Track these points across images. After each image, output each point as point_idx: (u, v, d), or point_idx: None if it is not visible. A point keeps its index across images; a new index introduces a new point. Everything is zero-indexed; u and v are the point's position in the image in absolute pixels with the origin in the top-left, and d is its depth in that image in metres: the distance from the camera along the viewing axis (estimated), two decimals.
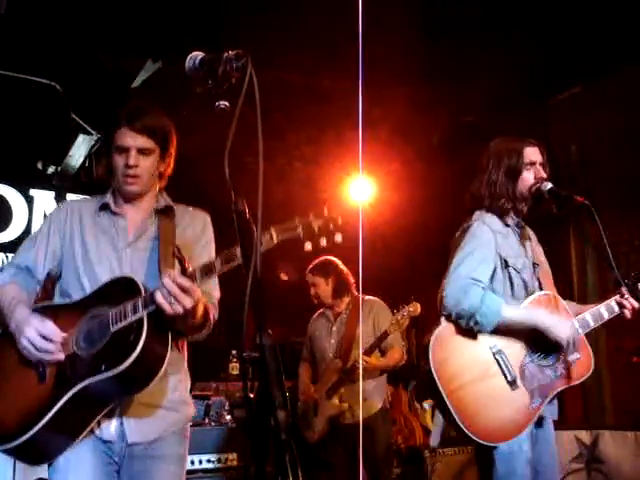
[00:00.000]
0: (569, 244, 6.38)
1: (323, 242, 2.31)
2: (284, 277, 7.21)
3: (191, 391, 5.21)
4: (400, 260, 7.56)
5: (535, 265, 3.12)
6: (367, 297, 5.02)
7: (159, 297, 2.23)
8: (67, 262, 2.63)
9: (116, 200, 2.70)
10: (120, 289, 2.40)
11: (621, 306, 3.06)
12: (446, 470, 5.73)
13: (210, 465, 4.31)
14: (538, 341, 2.93)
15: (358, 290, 4.90)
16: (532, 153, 3.14)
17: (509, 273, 3.02)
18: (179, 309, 2.23)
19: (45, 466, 2.50)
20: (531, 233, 3.25)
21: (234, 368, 5.83)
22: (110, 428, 2.42)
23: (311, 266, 5.06)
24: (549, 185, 3.05)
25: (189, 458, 4.25)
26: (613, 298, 3.08)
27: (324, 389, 4.91)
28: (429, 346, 2.87)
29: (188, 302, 2.23)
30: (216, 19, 4.72)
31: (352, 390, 4.78)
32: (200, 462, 4.29)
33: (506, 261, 3.01)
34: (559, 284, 3.25)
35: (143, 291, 2.33)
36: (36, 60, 4.59)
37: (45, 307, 2.57)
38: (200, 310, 2.36)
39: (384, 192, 6.89)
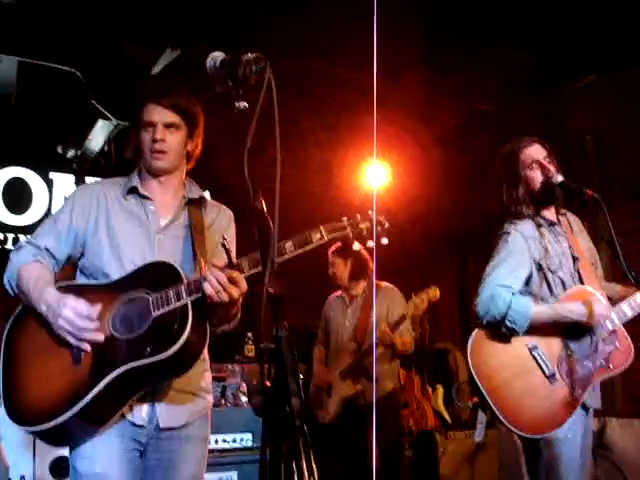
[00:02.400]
0: None
1: (370, 243, 2.43)
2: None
3: None
4: (415, 246, 7.62)
5: (575, 259, 3.14)
6: (383, 283, 5.12)
7: (208, 287, 2.26)
8: (91, 247, 2.57)
9: (143, 182, 2.65)
10: (158, 274, 2.40)
11: None
12: (457, 453, 5.82)
13: (226, 445, 4.42)
14: (573, 331, 2.98)
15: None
16: (533, 152, 3.16)
17: (544, 274, 3.07)
18: (225, 298, 2.27)
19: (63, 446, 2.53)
20: (573, 221, 3.28)
21: (250, 350, 5.91)
22: (142, 412, 2.42)
23: (333, 247, 5.17)
24: (560, 178, 3.08)
25: (211, 437, 4.37)
26: None
27: (338, 370, 5.01)
28: (467, 352, 2.99)
29: (235, 292, 2.28)
30: (233, 7, 4.76)
31: (365, 373, 4.89)
32: (216, 442, 4.40)
33: (539, 264, 3.07)
34: None
35: (184, 278, 2.34)
36: (58, 48, 4.66)
37: (72, 286, 2.52)
38: (240, 301, 2.40)
39: (399, 177, 6.93)
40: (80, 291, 2.45)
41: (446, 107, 6.63)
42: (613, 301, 3.12)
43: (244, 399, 4.71)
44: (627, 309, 3.06)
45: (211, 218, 2.70)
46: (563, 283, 3.09)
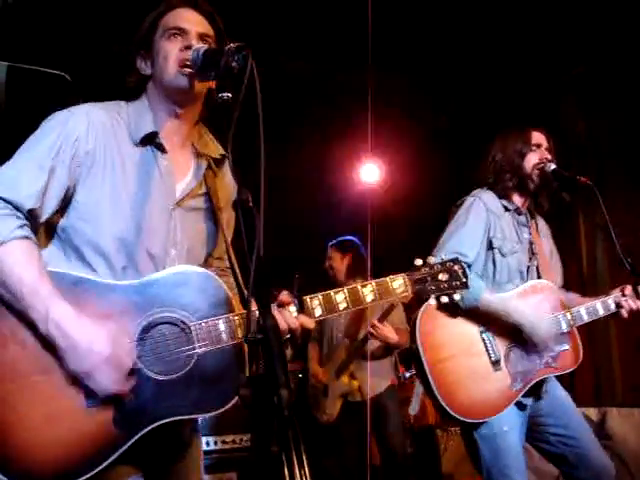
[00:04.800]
0: (579, 228, 6.31)
1: (444, 299, 2.19)
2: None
3: None
4: (411, 242, 7.59)
5: (534, 254, 3.12)
6: None
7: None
8: (82, 208, 1.93)
9: (157, 123, 2.02)
10: (196, 290, 1.92)
11: (618, 305, 3.07)
12: (458, 449, 5.79)
13: (226, 446, 4.40)
14: (520, 333, 2.94)
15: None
16: (538, 137, 3.20)
17: (493, 255, 3.04)
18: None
19: None
20: (542, 226, 3.29)
21: None
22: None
23: (335, 240, 5.13)
24: (553, 166, 3.09)
25: (210, 439, 4.38)
26: (613, 295, 3.09)
27: (333, 369, 4.99)
28: (417, 317, 2.91)
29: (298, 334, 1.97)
30: (227, 9, 4.74)
31: (360, 368, 4.86)
32: (216, 443, 4.39)
33: (491, 242, 3.03)
34: (570, 269, 3.25)
35: (235, 305, 1.93)
36: (46, 51, 4.64)
37: (67, 284, 1.83)
38: None
39: (393, 175, 6.92)
40: (78, 293, 1.83)
41: (438, 103, 6.64)
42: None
43: None
44: (584, 313, 3.04)
45: (220, 183, 2.15)
46: (509, 271, 3.05)
